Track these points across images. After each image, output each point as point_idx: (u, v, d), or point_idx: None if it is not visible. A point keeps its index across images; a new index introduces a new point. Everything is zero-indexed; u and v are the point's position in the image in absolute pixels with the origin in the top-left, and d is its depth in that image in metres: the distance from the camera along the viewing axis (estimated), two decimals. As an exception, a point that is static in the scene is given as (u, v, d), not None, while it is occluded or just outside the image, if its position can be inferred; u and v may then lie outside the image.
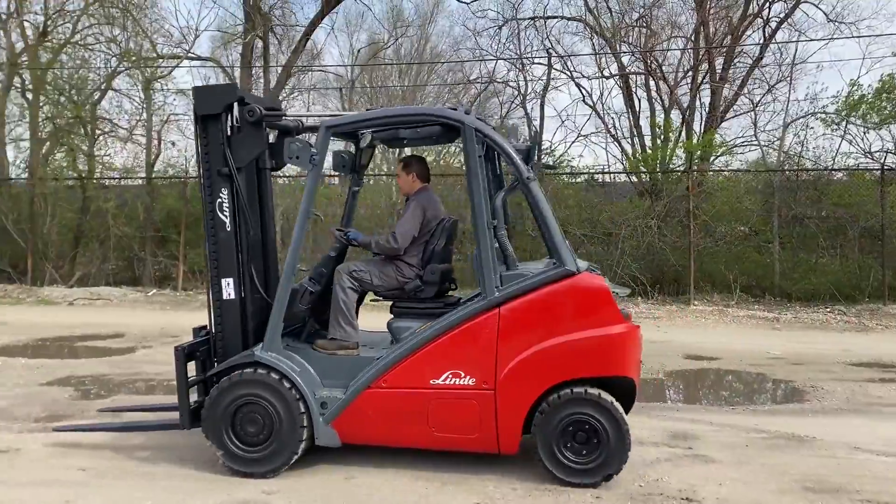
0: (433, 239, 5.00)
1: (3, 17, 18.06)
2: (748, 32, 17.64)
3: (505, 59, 19.48)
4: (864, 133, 15.27)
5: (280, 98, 20.41)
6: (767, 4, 17.20)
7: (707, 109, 17.43)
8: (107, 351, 9.28)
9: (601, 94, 24.58)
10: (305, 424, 4.51)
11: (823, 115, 16.59)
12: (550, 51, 18.99)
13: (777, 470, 4.78)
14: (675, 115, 17.78)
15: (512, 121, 20.34)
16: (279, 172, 5.50)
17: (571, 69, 19.19)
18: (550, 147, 19.35)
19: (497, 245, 4.52)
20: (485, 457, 4.80)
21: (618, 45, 18.13)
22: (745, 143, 17.74)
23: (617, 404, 4.40)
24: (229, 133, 4.84)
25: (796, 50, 18.18)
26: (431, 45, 29.67)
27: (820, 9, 17.43)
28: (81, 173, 17.18)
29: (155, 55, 18.69)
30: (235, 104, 4.82)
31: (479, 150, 4.53)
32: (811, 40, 18.64)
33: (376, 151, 5.88)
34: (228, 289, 4.84)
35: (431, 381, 4.45)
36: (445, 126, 4.71)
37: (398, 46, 27.52)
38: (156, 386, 7.33)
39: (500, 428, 4.40)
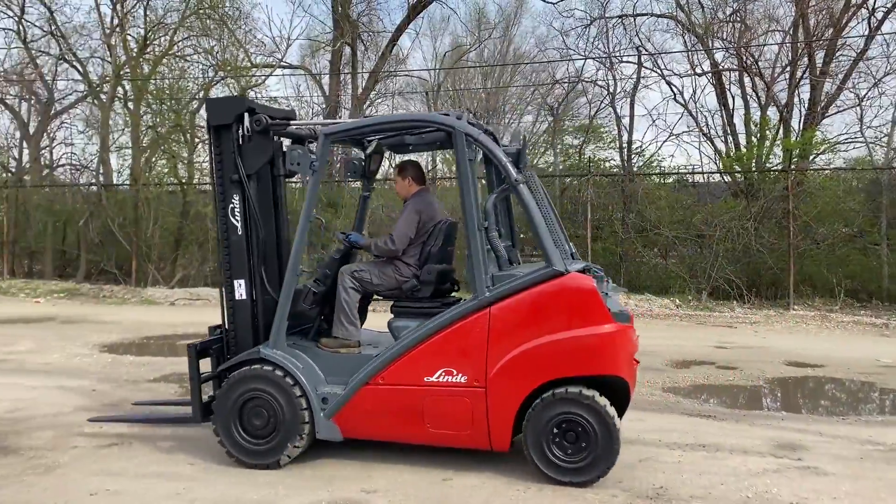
0: (430, 240, 5.15)
1: (108, 31, 19.06)
2: (851, 24, 16.78)
3: (593, 59, 19.22)
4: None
5: (366, 103, 20.77)
6: (873, -6, 16.32)
7: (807, 105, 16.66)
8: (207, 349, 9.60)
9: (693, 92, 24.04)
10: (307, 419, 4.70)
11: (936, 109, 15.61)
12: (640, 48, 18.62)
13: (898, 485, 4.50)
14: (772, 112, 17.10)
15: (601, 120, 20.04)
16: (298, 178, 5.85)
17: (662, 67, 18.76)
18: (640, 147, 18.96)
19: (489, 246, 4.61)
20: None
21: (710, 42, 17.57)
22: (850, 140, 16.88)
23: (605, 402, 4.41)
24: (240, 142, 5.08)
25: (905, 40, 17.16)
26: (515, 47, 29.55)
27: (932, -4, 16.40)
28: (181, 179, 17.93)
29: (249, 64, 19.32)
30: (246, 114, 5.06)
31: (470, 153, 4.64)
32: (921, 30, 17.56)
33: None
34: (240, 289, 5.10)
35: (426, 379, 4.57)
36: (441, 131, 4.85)
37: (481, 49, 27.53)
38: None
39: (491, 425, 4.49)
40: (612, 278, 15.02)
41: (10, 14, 19.20)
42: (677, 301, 13.47)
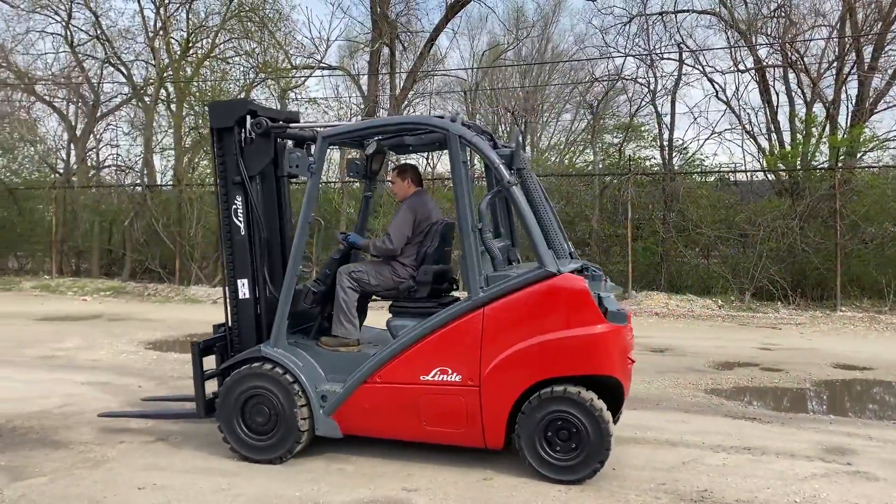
0: (427, 241, 5.23)
1: (151, 34, 19.44)
2: (902, 17, 16.29)
3: (634, 56, 18.97)
4: None
5: (404, 103, 20.85)
6: (924, -15, 15.83)
7: (854, 102, 16.24)
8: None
9: (736, 89, 23.61)
10: (306, 416, 4.79)
11: None
12: (681, 45, 18.36)
13: (953, 492, 4.36)
14: (818, 109, 16.71)
15: (641, 118, 19.81)
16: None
17: (704, 64, 18.44)
18: (682, 144, 18.70)
19: (483, 247, 4.66)
20: (626, 464, 4.71)
21: (754, 38, 17.24)
22: (900, 136, 16.38)
23: (594, 399, 4.44)
24: (242, 144, 5.16)
25: (959, 34, 16.62)
26: (553, 45, 29.41)
27: None
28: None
29: (289, 66, 19.52)
30: (248, 117, 5.14)
31: (464, 155, 4.70)
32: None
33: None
34: (243, 288, 5.21)
35: (421, 377, 4.65)
36: (435, 133, 4.94)
37: (519, 48, 27.46)
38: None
39: (485, 423, 4.56)
40: (653, 278, 14.91)
41: (58, 19, 19.70)
42: (720, 301, 13.25)
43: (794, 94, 16.97)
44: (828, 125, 16.14)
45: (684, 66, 18.27)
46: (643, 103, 19.53)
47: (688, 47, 18.49)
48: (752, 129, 17.66)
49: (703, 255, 14.93)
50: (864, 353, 9.31)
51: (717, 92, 18.09)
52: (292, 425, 4.78)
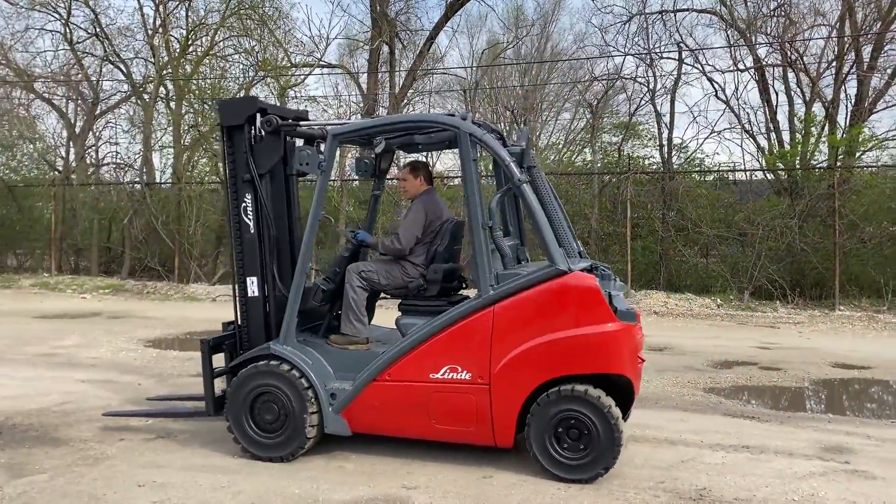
0: (437, 239, 5.23)
1: (150, 32, 19.42)
2: (901, 16, 16.30)
3: (633, 55, 18.97)
4: None
5: (403, 101, 20.86)
6: (923, -15, 15.83)
7: (853, 101, 16.25)
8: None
9: (735, 88, 23.60)
10: (315, 413, 4.79)
11: None
12: (681, 44, 18.36)
13: (951, 491, 4.38)
14: (817, 109, 16.71)
15: (640, 117, 19.80)
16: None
17: (703, 63, 18.45)
18: (682, 143, 18.70)
19: (493, 245, 4.66)
20: (625, 463, 4.70)
21: (753, 37, 17.25)
22: (900, 136, 16.39)
23: (607, 400, 4.43)
24: (252, 142, 5.17)
25: (958, 34, 16.62)
26: (552, 44, 29.37)
27: None
28: (222, 177, 18.15)
29: (288, 64, 19.51)
30: (257, 115, 5.15)
31: (475, 153, 4.69)
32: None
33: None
34: (252, 286, 5.22)
35: (431, 376, 4.65)
36: (446, 131, 4.94)
37: (519, 46, 27.43)
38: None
39: (495, 422, 4.56)
40: (652, 277, 14.94)
41: (57, 17, 19.67)
42: (718, 301, 13.26)
43: (793, 93, 16.99)
44: (827, 124, 16.15)
45: (684, 65, 18.28)
46: (642, 102, 19.51)
47: (687, 46, 18.51)
48: (752, 129, 17.67)
49: (702, 254, 14.95)
50: (862, 352, 9.33)
51: (716, 91, 18.11)
52: (301, 423, 4.79)
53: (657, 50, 18.66)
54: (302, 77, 19.78)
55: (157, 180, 19.45)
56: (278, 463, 4.83)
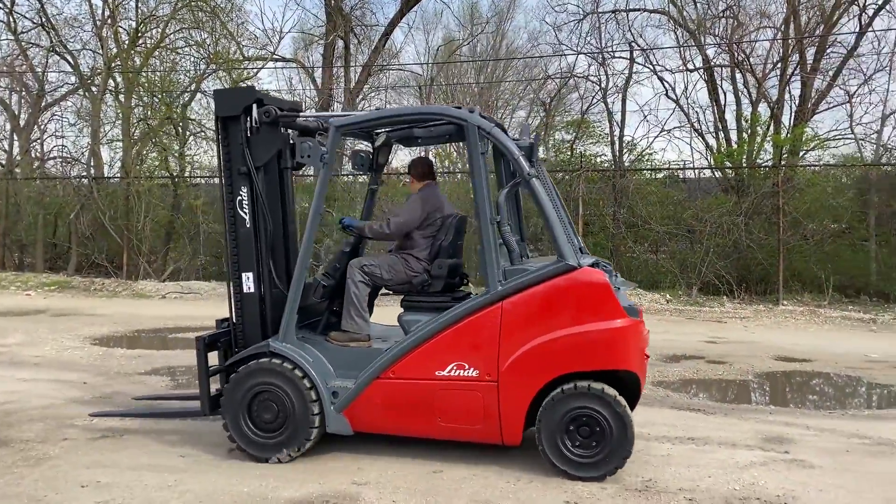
0: (440, 234, 5.15)
1: (99, 23, 18.96)
2: (842, 20, 16.84)
3: (585, 54, 19.20)
4: (971, 124, 14.38)
5: (358, 97, 20.75)
6: (863, -9, 16.36)
7: (797, 102, 16.73)
8: (198, 343, 9.61)
9: (685, 88, 24.04)
10: (317, 412, 4.69)
11: (925, 107, 15.71)
12: (632, 44, 18.64)
13: (885, 479, 4.56)
14: (763, 109, 17.15)
15: (593, 116, 20.05)
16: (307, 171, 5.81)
17: (654, 63, 18.78)
18: (632, 142, 19.00)
19: (501, 240, 4.63)
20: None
21: (703, 38, 17.61)
22: (839, 137, 16.95)
23: (620, 398, 4.42)
24: (248, 134, 5.04)
25: None
26: (508, 42, 29.54)
27: (922, -7, 16.50)
28: (172, 172, 17.86)
29: (241, 57, 19.24)
30: (254, 106, 5.01)
31: (482, 147, 4.63)
32: (912, 27, 17.62)
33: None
34: (248, 282, 5.08)
35: (437, 373, 4.57)
36: (452, 124, 4.82)
37: (474, 44, 27.52)
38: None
39: (503, 419, 4.50)
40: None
41: (1, 6, 19.06)
42: (668, 296, 13.53)
43: (740, 93, 17.40)
44: (772, 124, 16.58)
45: (635, 64, 18.57)
46: (595, 101, 19.77)
47: (638, 46, 18.81)
48: (700, 128, 18.06)
49: (652, 250, 15.24)
50: (803, 345, 9.63)
51: (666, 90, 18.45)
52: (302, 422, 4.67)
53: (609, 49, 18.93)
54: (254, 71, 19.53)
55: (105, 175, 19.02)
56: (219, 460, 4.75)
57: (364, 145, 5.93)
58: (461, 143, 5.29)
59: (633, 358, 4.55)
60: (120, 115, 18.76)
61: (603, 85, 19.11)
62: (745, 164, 15.60)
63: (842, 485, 4.43)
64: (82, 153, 20.29)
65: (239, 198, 5.06)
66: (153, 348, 9.24)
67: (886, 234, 13.89)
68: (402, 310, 5.00)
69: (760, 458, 4.95)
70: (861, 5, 16.37)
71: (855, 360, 8.67)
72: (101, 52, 18.86)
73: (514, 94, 27.50)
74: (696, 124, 18.05)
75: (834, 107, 17.28)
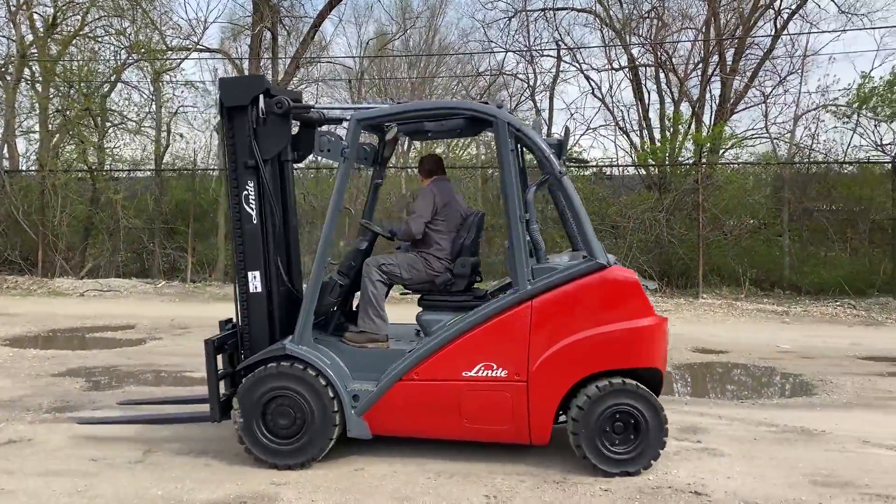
0: (462, 232, 5.08)
1: (13, 8, 18.09)
2: (759, 23, 17.49)
3: (514, 51, 19.41)
4: (876, 126, 15.17)
5: (288, 90, 20.42)
6: (779, -4, 17.04)
7: (717, 102, 17.31)
8: (117, 342, 9.33)
9: (610, 87, 24.52)
10: (336, 417, 4.54)
11: (834, 108, 16.47)
12: (560, 43, 18.92)
13: (787, 464, 4.77)
14: (685, 108, 17.67)
15: (521, 113, 20.27)
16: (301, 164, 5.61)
17: (581, 61, 19.11)
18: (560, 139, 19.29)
19: (528, 238, 4.61)
20: (493, 450, 4.83)
21: (628, 37, 18.02)
22: (756, 136, 17.62)
23: (652, 393, 4.51)
24: (255, 125, 4.82)
25: (808, 41, 18.08)
26: (440, 37, 29.58)
27: (832, 0, 17.30)
28: (91, 165, 17.23)
29: (164, 47, 18.68)
30: (261, 96, 4.81)
31: (511, 143, 4.59)
32: (823, 32, 18.51)
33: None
34: (255, 282, 4.85)
35: (464, 374, 4.51)
36: (476, 120, 4.77)
37: (406, 38, 27.46)
38: (166, 377, 7.37)
39: (532, 419, 4.48)
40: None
41: None
42: (593, 290, 13.78)
43: (663, 92, 17.87)
44: (693, 123, 17.10)
45: (562, 62, 18.86)
46: (523, 98, 20.01)
47: (565, 44, 19.10)
48: (625, 126, 18.48)
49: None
50: (721, 337, 9.98)
51: (592, 89, 18.80)
52: (322, 427, 4.52)
53: (537, 47, 19.17)
54: (178, 61, 18.98)
55: (20, 168, 18.20)
56: (132, 464, 4.61)
57: (367, 138, 5.75)
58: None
59: (659, 355, 4.64)
60: (36, 105, 17.97)
61: (531, 83, 19.36)
62: (667, 162, 16.05)
63: (748, 471, 4.62)
64: (-5, 145, 19.35)
65: (245, 192, 4.83)
66: (69, 348, 8.91)
67: (798, 230, 14.53)
68: (419, 309, 4.95)
69: (674, 447, 5.09)
70: (776, 9, 17.05)
71: (768, 351, 9.04)
72: (14, 39, 18.00)
73: (447, 90, 27.59)
74: (620, 122, 18.46)
75: (751, 107, 17.97)
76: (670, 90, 17.88)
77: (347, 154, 4.72)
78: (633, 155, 18.03)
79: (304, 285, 4.95)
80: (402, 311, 4.98)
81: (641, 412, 4.43)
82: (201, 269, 16.29)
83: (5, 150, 18.31)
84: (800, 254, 14.31)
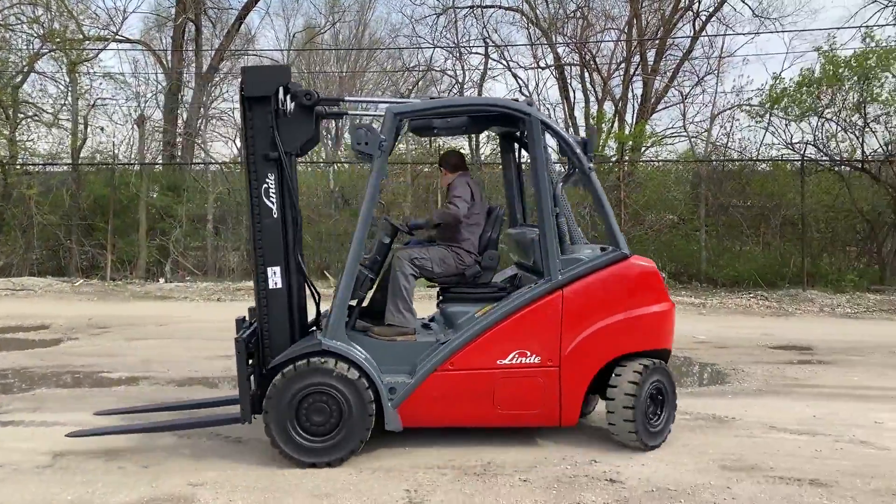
0: (488, 227, 5.32)
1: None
2: (679, 25, 18.07)
3: (442, 48, 19.50)
4: (786, 125, 15.87)
5: (211, 82, 19.98)
6: (697, -2, 17.64)
7: (639, 101, 17.81)
8: (30, 343, 8.96)
9: (537, 85, 24.88)
10: (375, 411, 4.59)
11: (748, 108, 17.15)
12: (487, 40, 19.08)
13: (697, 450, 4.96)
14: (609, 107, 18.11)
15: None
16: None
17: (508, 59, 19.34)
18: (487, 137, 19.47)
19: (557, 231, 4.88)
20: (417, 444, 4.86)
21: (554, 37, 18.32)
22: (675, 134, 18.23)
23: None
24: (277, 117, 4.73)
25: (723, 43, 18.75)
26: (370, 32, 29.44)
27: (746, 4, 18.01)
28: (3, 159, 16.47)
29: (81, 37, 18.00)
30: (280, 88, 4.74)
31: (543, 140, 4.84)
32: (738, 34, 19.23)
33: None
34: (275, 278, 4.77)
35: (498, 362, 4.72)
36: (505, 117, 5.01)
37: (336, 32, 27.23)
38: (82, 379, 7.11)
39: (563, 402, 4.77)
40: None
41: None
42: (520, 285, 13.99)
43: (588, 91, 18.28)
44: (616, 121, 17.54)
45: (490, 60, 19.04)
46: (452, 95, 20.08)
47: (493, 42, 19.28)
48: (552, 124, 18.74)
49: (503, 241, 15.70)
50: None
51: (520, 87, 19.05)
52: (358, 423, 4.51)
53: (466, 44, 19.29)
54: (95, 52, 18.31)
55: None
56: (41, 468, 4.45)
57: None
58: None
59: (671, 337, 5.13)
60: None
61: (460, 79, 19.48)
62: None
63: (662, 458, 4.77)
64: None
65: (265, 186, 4.71)
66: (-25, 351, 8.50)
67: (715, 225, 15.08)
68: (445, 301, 5.10)
69: (592, 436, 5.24)
70: (695, 11, 17.64)
71: (685, 341, 9.34)
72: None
73: (376, 86, 27.47)
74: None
75: (670, 106, 18.58)
76: (594, 89, 18.31)
77: (385, 147, 4.72)
78: (558, 152, 18.34)
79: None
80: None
81: (667, 387, 4.91)
82: (122, 267, 15.80)
83: None
84: (716, 248, 14.87)
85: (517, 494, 4.14)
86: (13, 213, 16.03)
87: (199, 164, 18.32)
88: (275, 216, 4.76)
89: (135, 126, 18.87)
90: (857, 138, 14.96)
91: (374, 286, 5.21)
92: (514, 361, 4.73)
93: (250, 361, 4.77)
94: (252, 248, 4.84)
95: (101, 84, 20.30)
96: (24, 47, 17.74)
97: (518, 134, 5.65)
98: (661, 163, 16.57)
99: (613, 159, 16.20)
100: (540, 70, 18.77)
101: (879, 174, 14.73)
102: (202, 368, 7.51)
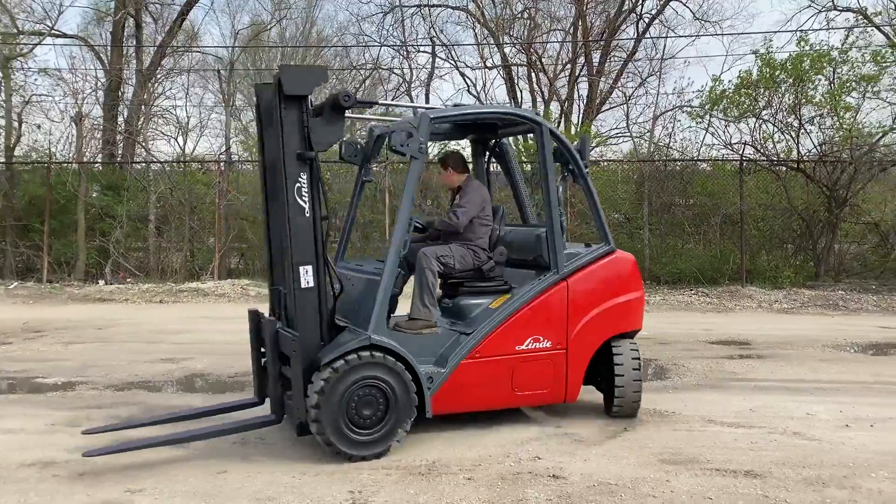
0: (495, 224, 5.77)
1: None
2: (623, 27, 18.38)
3: (389, 46, 19.46)
4: (726, 126, 16.29)
5: (152, 79, 19.54)
6: (641, 1, 17.97)
7: (584, 101, 18.04)
8: (-41, 349, 8.64)
9: (485, 84, 24.98)
10: (417, 401, 4.83)
11: (689, 109, 17.57)
12: (434, 39, 19.11)
13: (638, 444, 5.06)
14: (555, 107, 18.31)
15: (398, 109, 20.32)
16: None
17: (456, 59, 19.40)
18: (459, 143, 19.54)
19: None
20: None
21: (501, 37, 18.44)
22: (619, 135, 18.55)
23: None
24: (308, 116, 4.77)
25: (665, 45, 19.15)
26: (318, 29, 29.12)
27: (688, 7, 18.43)
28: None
29: (15, 31, 17.40)
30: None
31: (551, 146, 5.39)
32: (679, 36, 19.63)
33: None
34: (307, 276, 4.76)
35: (517, 348, 5.21)
36: (527, 125, 5.75)
37: (282, 29, 26.86)
38: (17, 385, 6.89)
39: (569, 381, 5.36)
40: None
41: None
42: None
43: (535, 91, 18.44)
44: (562, 122, 17.74)
45: (437, 59, 19.07)
46: (400, 94, 20.07)
47: (441, 41, 19.31)
48: (500, 123, 18.86)
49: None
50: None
51: (468, 86, 19.14)
52: (403, 413, 4.76)
53: (413, 43, 19.28)
54: (30, 47, 17.73)
55: None
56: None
57: (359, 136, 5.94)
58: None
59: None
60: None
61: (407, 78, 19.46)
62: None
63: (604, 453, 4.86)
64: None
65: (297, 185, 4.69)
66: None
67: (657, 224, 15.39)
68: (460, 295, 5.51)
69: (537, 433, 5.29)
70: (638, 14, 17.97)
71: (628, 338, 9.51)
72: None
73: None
74: (494, 119, 18.84)
75: (615, 107, 18.90)
76: (541, 90, 18.49)
77: (424, 150, 5.03)
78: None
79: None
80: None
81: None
82: (59, 269, 15.32)
83: None
84: (659, 246, 15.17)
85: (461, 493, 4.16)
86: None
87: (140, 162, 17.89)
88: (307, 215, 4.77)
89: (72, 123, 18.33)
90: (793, 139, 15.46)
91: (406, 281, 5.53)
92: (529, 347, 5.24)
93: (263, 361, 4.95)
94: (290, 248, 4.76)
95: (36, 80, 19.68)
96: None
97: (492, 142, 6.39)
98: (606, 163, 16.83)
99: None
100: (487, 70, 18.89)
101: (814, 173, 15.23)
102: (143, 372, 7.35)
